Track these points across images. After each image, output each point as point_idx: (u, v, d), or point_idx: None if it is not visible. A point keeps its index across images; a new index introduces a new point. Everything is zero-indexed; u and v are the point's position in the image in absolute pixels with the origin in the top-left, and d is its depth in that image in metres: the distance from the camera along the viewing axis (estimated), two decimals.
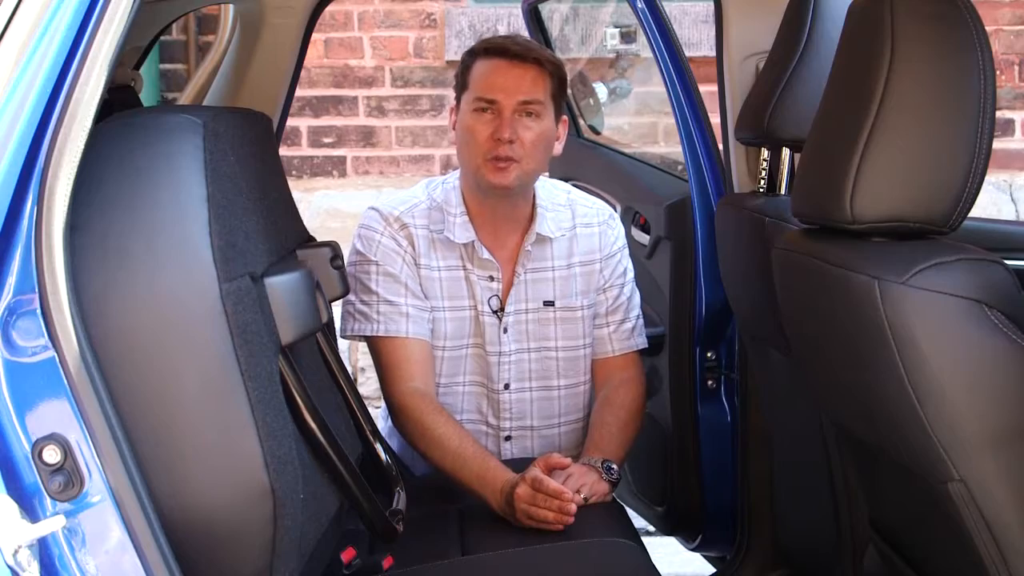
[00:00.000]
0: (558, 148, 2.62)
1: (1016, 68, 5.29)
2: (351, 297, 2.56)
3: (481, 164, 2.52)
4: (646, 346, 2.78)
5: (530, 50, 2.56)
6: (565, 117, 2.65)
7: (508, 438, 2.68)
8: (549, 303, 2.65)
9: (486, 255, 2.60)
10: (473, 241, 2.59)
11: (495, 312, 2.62)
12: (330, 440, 1.85)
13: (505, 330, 2.63)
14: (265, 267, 1.78)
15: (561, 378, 2.69)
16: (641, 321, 2.78)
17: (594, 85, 4.15)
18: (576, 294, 2.67)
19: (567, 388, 2.70)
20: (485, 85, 2.53)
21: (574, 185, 2.91)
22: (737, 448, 2.82)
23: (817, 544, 2.43)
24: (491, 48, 2.57)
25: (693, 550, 3.09)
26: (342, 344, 2.85)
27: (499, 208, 2.61)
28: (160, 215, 1.55)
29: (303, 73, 3.09)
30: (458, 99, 2.60)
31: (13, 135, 1.44)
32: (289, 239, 2.06)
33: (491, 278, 2.62)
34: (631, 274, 2.78)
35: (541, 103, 2.53)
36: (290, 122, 4.16)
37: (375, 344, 2.58)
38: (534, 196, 2.65)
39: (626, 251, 2.77)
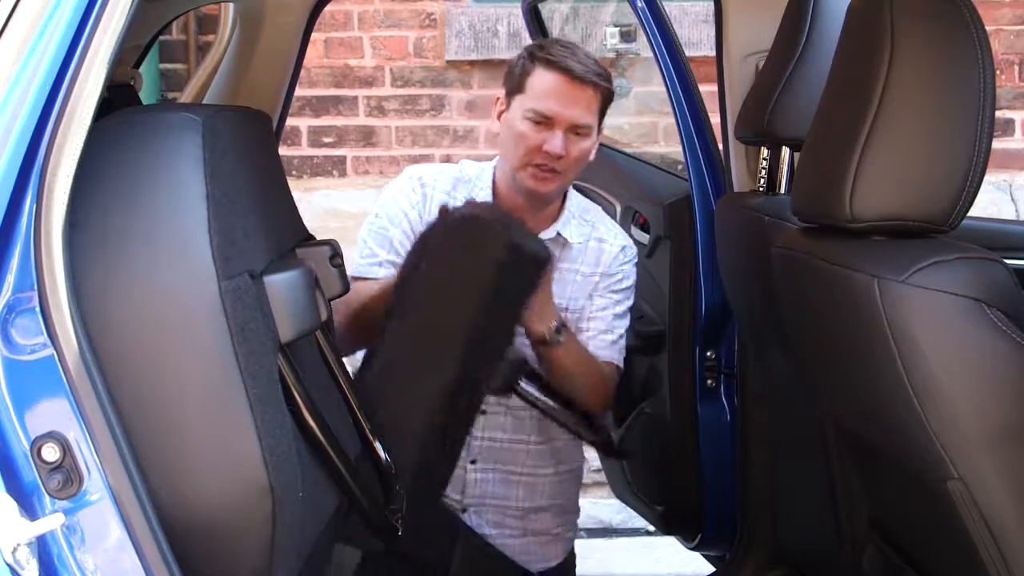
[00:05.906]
0: (592, 155, 2.69)
1: (1016, 68, 5.29)
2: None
3: (524, 167, 2.61)
4: (620, 365, 2.76)
5: (589, 70, 2.61)
6: (602, 128, 2.71)
7: (483, 412, 2.64)
8: None
9: None
10: None
11: None
12: (329, 438, 1.85)
13: None
14: (264, 265, 1.78)
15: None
16: (624, 342, 2.77)
17: None
18: (567, 297, 2.72)
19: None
20: (543, 101, 2.59)
21: (572, 185, 2.92)
22: (737, 447, 2.82)
23: (817, 543, 2.43)
24: (554, 62, 2.60)
25: (693, 549, 3.08)
26: None
27: (530, 204, 2.68)
28: (159, 213, 1.55)
29: (303, 73, 3.09)
30: (509, 95, 2.65)
31: (12, 133, 1.43)
32: (288, 237, 2.05)
33: None
34: (629, 302, 2.78)
35: (591, 126, 2.62)
36: (290, 122, 4.16)
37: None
38: (564, 199, 2.73)
39: (632, 279, 2.78)
